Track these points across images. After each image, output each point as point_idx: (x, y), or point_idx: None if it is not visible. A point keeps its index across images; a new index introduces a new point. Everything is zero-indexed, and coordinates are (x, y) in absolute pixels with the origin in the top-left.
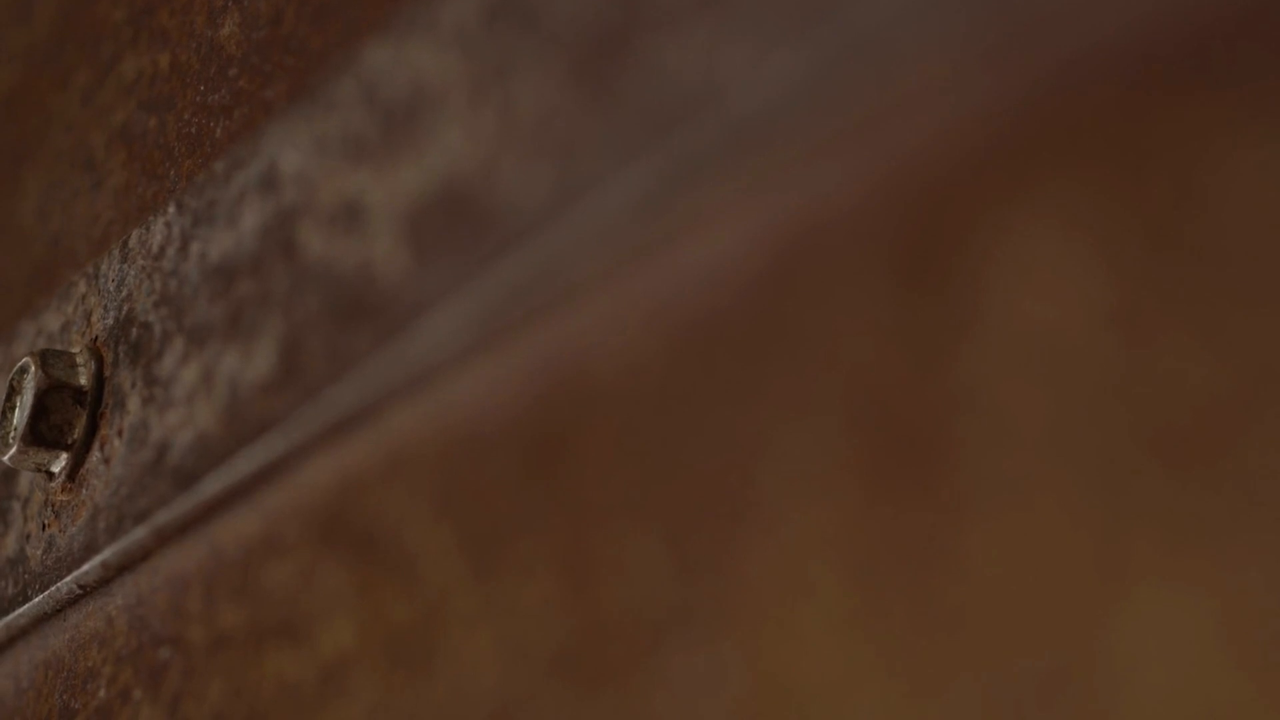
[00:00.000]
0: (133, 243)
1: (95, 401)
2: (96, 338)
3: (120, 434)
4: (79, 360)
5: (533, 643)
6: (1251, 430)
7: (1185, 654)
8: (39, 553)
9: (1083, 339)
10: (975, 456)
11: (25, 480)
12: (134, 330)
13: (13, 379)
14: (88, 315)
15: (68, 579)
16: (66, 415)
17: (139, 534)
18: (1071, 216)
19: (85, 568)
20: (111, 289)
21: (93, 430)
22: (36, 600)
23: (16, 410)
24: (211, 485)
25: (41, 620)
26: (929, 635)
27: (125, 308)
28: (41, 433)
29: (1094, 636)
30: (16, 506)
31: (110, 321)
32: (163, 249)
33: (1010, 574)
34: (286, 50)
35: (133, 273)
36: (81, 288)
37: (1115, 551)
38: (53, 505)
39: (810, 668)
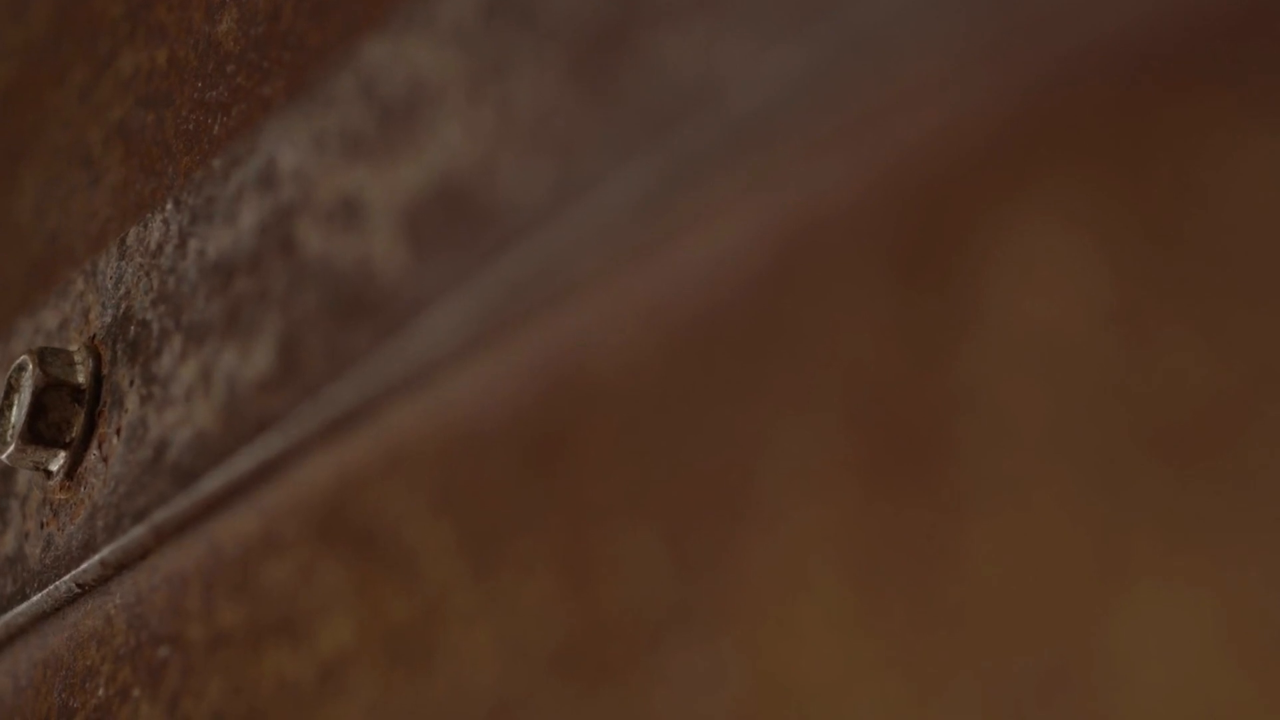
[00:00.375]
0: (130, 240)
1: (93, 400)
2: (94, 335)
3: (118, 432)
4: (77, 358)
5: (532, 641)
6: (1252, 429)
7: (1185, 653)
8: (37, 551)
9: (1083, 337)
10: (975, 455)
11: (23, 479)
12: (132, 328)
13: (10, 377)
14: (85, 313)
15: (66, 577)
16: (64, 413)
17: (137, 532)
18: (1071, 214)
19: (84, 566)
20: (109, 286)
21: (91, 428)
22: (35, 599)
23: (14, 408)
24: (210, 483)
25: (40, 619)
26: (929, 634)
27: (123, 305)
28: (39, 431)
29: (1094, 635)
30: (15, 505)
31: (108, 319)
32: (161, 246)
33: (1010, 572)
34: (284, 46)
35: (130, 270)
36: (79, 285)
37: (1115, 550)
38: (51, 504)
39: (810, 666)
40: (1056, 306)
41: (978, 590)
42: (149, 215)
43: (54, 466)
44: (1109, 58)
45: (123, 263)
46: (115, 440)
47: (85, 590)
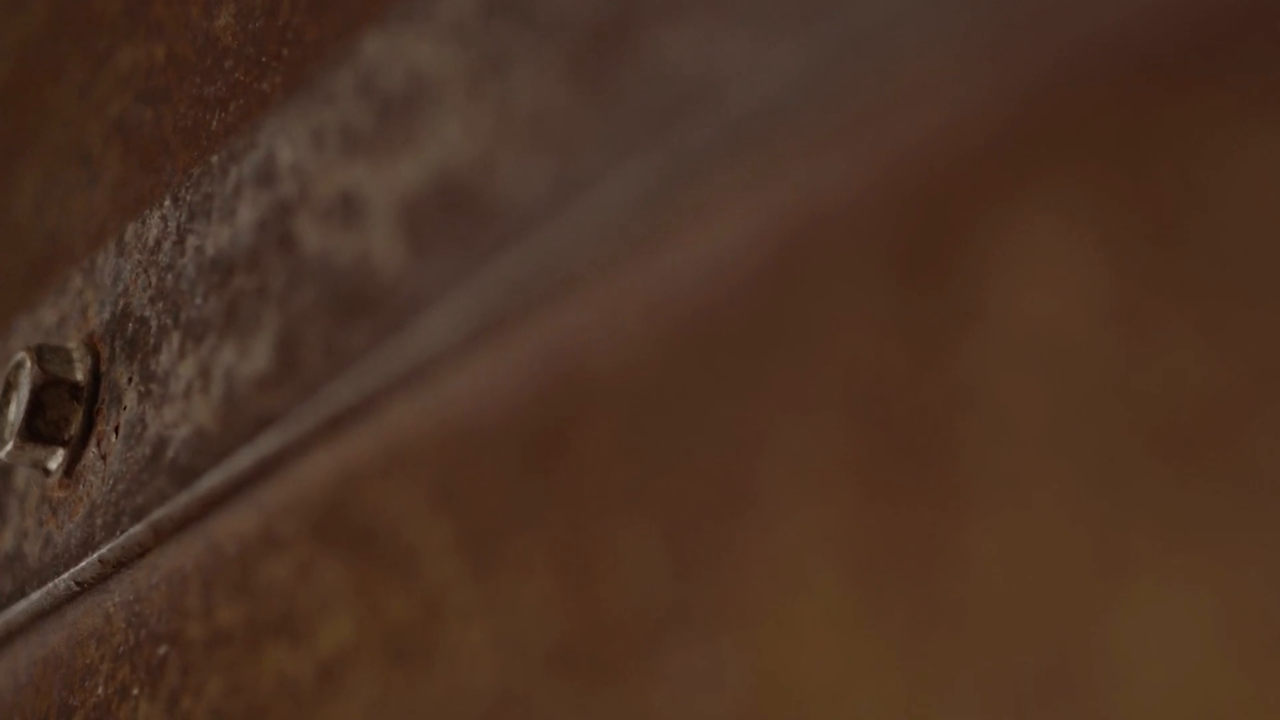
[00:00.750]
0: (129, 237)
1: (91, 397)
2: (93, 333)
3: (117, 430)
4: (75, 355)
5: (531, 639)
6: (1252, 427)
7: (1184, 651)
8: (36, 549)
9: (1083, 335)
10: (975, 453)
11: (22, 476)
12: (130, 325)
13: (9, 374)
14: (84, 310)
15: (65, 576)
16: (63, 411)
17: (136, 531)
18: (1073, 212)
19: (82, 564)
20: (108, 284)
21: (89, 426)
22: (34, 597)
23: (12, 406)
24: (209, 481)
25: (39, 617)
26: (928, 632)
27: (121, 303)
28: (38, 429)
29: (1093, 633)
30: (13, 503)
31: (106, 316)
32: (159, 243)
33: (1010, 571)
34: (283, 41)
35: (129, 267)
36: (78, 282)
37: (1115, 548)
38: (50, 502)
39: (809, 665)
40: (1057, 305)
41: (977, 589)
42: (147, 212)
43: (52, 464)
44: (1110, 55)
45: (121, 260)
46: (114, 438)
47: (84, 588)
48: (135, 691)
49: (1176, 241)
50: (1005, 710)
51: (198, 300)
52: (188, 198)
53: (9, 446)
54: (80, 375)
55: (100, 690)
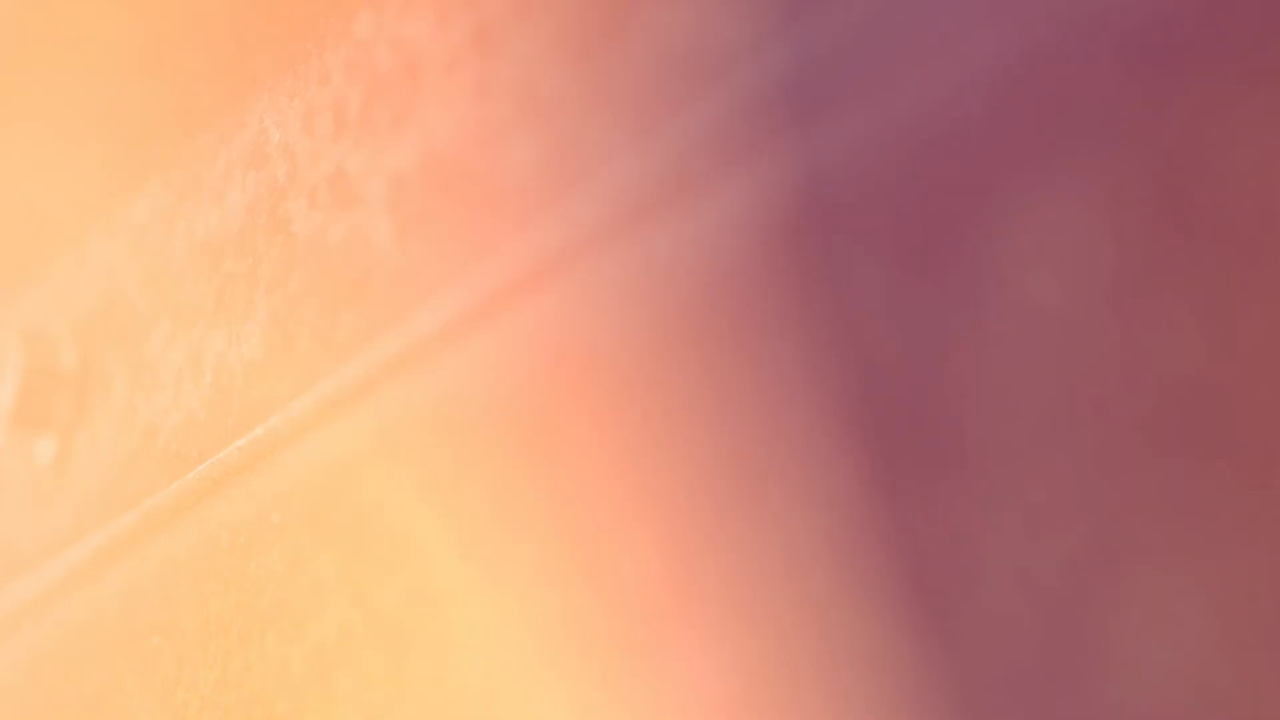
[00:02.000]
0: (118, 220)
1: (81, 384)
2: (82, 319)
3: (107, 418)
4: (64, 343)
5: (522, 626)
6: (1255, 416)
7: (1182, 640)
8: (27, 538)
9: (1089, 321)
10: (976, 442)
11: (12, 465)
12: (120, 311)
13: None
14: (73, 296)
15: (57, 566)
16: (52, 398)
17: (127, 519)
18: (1078, 195)
19: (74, 554)
20: (97, 268)
21: (79, 414)
22: (26, 587)
23: (1, 394)
24: (200, 469)
25: (32, 607)
26: (927, 623)
27: (111, 288)
28: (27, 416)
29: (1093, 622)
30: (3, 492)
31: (96, 302)
32: (148, 226)
33: (1011, 562)
34: (273, 19)
35: (118, 252)
36: (66, 267)
37: (1114, 536)
38: (40, 490)
39: (804, 657)
40: (1063, 291)
41: (978, 581)
42: (136, 195)
43: (42, 452)
44: (1119, 36)
45: (110, 244)
46: (104, 426)
47: (77, 578)
48: (129, 682)
49: (1183, 226)
50: (1003, 697)
51: (188, 285)
52: (176, 179)
53: None
54: (69, 362)
55: (95, 681)
